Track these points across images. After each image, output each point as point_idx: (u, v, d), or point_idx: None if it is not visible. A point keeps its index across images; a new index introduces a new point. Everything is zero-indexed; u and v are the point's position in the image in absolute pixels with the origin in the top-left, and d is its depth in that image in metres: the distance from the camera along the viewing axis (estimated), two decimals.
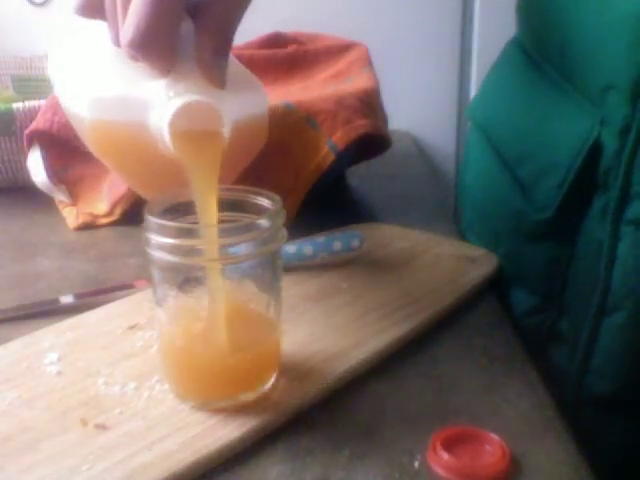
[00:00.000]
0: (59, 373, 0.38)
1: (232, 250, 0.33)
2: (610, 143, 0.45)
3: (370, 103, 0.69)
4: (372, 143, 0.71)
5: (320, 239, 0.54)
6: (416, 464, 0.32)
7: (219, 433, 0.33)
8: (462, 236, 0.64)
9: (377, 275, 0.51)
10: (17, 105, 0.69)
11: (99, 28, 0.38)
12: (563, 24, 0.50)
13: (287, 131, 0.62)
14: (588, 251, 0.48)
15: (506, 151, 0.58)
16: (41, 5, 1.07)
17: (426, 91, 1.12)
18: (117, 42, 0.36)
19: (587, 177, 0.47)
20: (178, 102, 0.34)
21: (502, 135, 0.60)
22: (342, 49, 0.79)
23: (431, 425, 0.35)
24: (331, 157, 0.62)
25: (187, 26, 0.36)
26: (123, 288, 0.50)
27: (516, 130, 0.57)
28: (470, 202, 0.67)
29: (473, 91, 1.09)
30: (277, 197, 0.35)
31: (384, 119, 0.73)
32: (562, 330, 0.51)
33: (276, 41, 0.82)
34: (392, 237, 0.59)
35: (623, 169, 0.44)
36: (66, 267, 0.56)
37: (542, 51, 0.55)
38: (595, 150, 0.46)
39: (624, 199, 0.44)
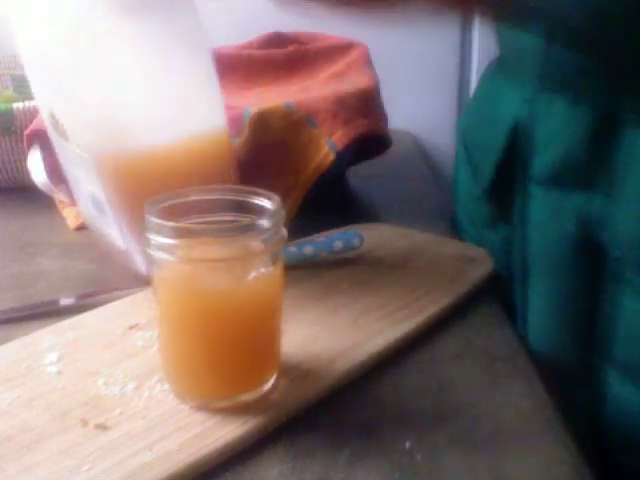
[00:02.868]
0: (59, 373, 0.38)
1: None
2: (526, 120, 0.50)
3: (370, 103, 0.69)
4: (372, 143, 0.71)
5: (320, 239, 0.54)
6: (416, 464, 0.32)
7: (219, 433, 0.33)
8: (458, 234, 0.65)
9: (377, 275, 0.51)
10: (17, 105, 0.69)
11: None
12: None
13: (287, 131, 0.62)
14: (519, 224, 0.53)
15: (471, 153, 0.63)
16: None
17: (426, 91, 1.12)
18: None
19: (512, 156, 0.52)
20: None
21: (472, 141, 0.64)
22: (342, 49, 0.79)
23: (431, 425, 0.35)
24: (331, 157, 0.62)
25: None
26: (123, 288, 0.50)
27: (478, 127, 0.62)
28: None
29: (473, 91, 1.09)
30: (277, 197, 0.35)
31: (384, 119, 0.73)
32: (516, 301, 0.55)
33: (276, 41, 0.82)
34: (392, 237, 0.59)
35: (527, 134, 0.50)
36: (66, 267, 0.56)
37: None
38: (517, 128, 0.51)
39: (529, 160, 0.50)
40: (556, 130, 0.47)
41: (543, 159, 0.49)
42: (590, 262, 0.45)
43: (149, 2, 0.47)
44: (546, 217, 0.49)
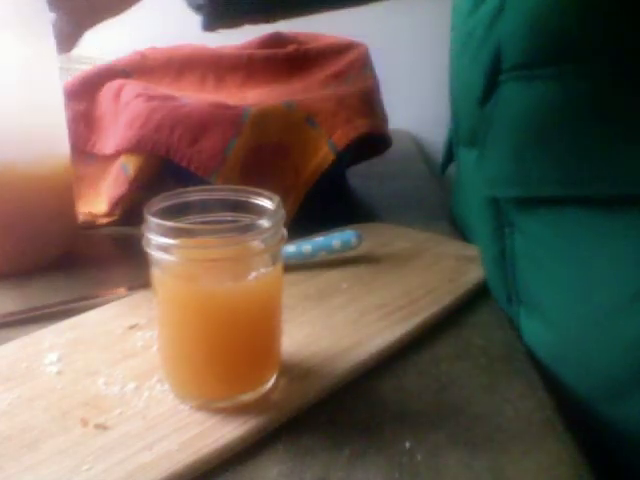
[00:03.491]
0: (59, 373, 0.38)
1: None
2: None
3: (370, 102, 0.69)
4: (372, 143, 0.71)
5: (319, 238, 0.54)
6: (416, 464, 0.32)
7: (219, 433, 0.33)
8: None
9: (377, 275, 0.51)
10: None
11: None
12: None
13: (287, 131, 0.62)
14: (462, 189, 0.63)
15: None
16: None
17: (426, 91, 1.12)
18: None
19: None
20: None
21: None
22: (342, 49, 0.80)
23: (431, 425, 0.35)
24: (331, 157, 0.62)
25: None
26: (122, 289, 0.50)
27: None
28: None
29: None
30: (277, 197, 0.35)
31: (384, 118, 0.73)
32: None
33: (276, 41, 0.82)
34: (392, 237, 0.59)
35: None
36: (66, 266, 0.55)
37: None
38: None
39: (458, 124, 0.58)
40: (462, 94, 0.54)
41: (459, 122, 0.57)
42: (495, 211, 0.49)
43: (9, 18, 0.48)
44: (467, 175, 0.56)
